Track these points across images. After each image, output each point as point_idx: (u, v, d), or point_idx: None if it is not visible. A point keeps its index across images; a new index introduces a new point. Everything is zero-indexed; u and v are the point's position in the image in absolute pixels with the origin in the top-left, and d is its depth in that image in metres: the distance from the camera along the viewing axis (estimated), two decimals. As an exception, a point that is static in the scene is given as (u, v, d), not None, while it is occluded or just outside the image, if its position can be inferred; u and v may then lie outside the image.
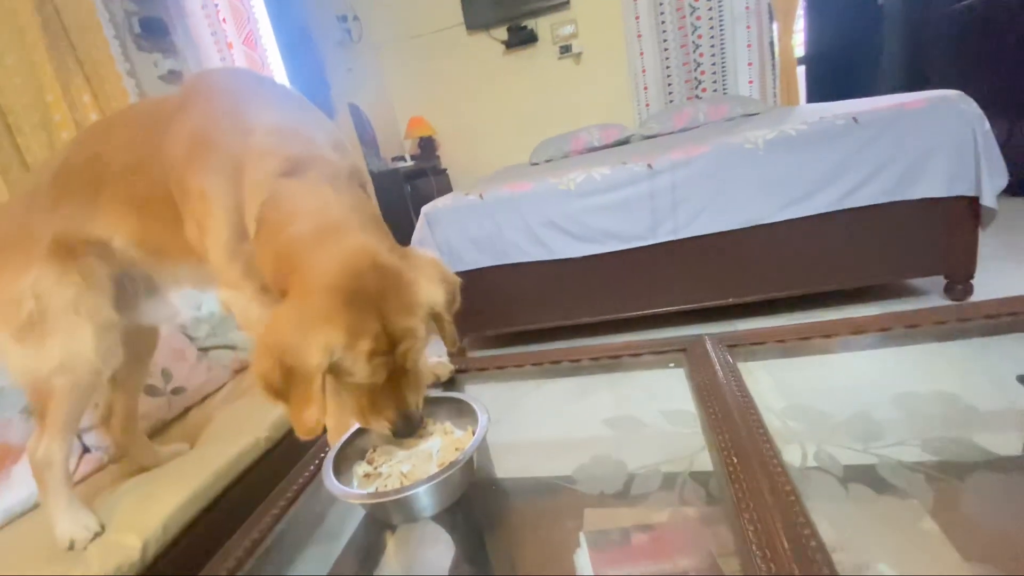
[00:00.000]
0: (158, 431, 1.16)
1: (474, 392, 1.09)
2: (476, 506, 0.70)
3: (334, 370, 0.58)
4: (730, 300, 1.89)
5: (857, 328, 0.85)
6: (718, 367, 0.82)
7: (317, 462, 0.79)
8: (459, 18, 3.50)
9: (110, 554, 0.77)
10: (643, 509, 0.64)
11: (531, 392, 1.03)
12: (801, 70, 4.03)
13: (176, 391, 1.21)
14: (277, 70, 2.61)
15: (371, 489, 0.65)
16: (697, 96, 3.32)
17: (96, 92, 1.65)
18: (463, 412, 0.75)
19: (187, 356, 1.33)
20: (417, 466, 0.68)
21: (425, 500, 0.62)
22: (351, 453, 0.72)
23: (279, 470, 0.80)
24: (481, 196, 1.97)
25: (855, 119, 1.64)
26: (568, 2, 3.36)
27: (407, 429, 0.66)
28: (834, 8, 3.95)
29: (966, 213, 1.66)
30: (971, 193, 1.62)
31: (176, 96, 0.75)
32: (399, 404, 0.64)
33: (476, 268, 2.03)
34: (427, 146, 3.71)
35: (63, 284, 0.76)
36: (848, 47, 3.96)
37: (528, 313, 2.09)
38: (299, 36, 2.89)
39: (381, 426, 0.65)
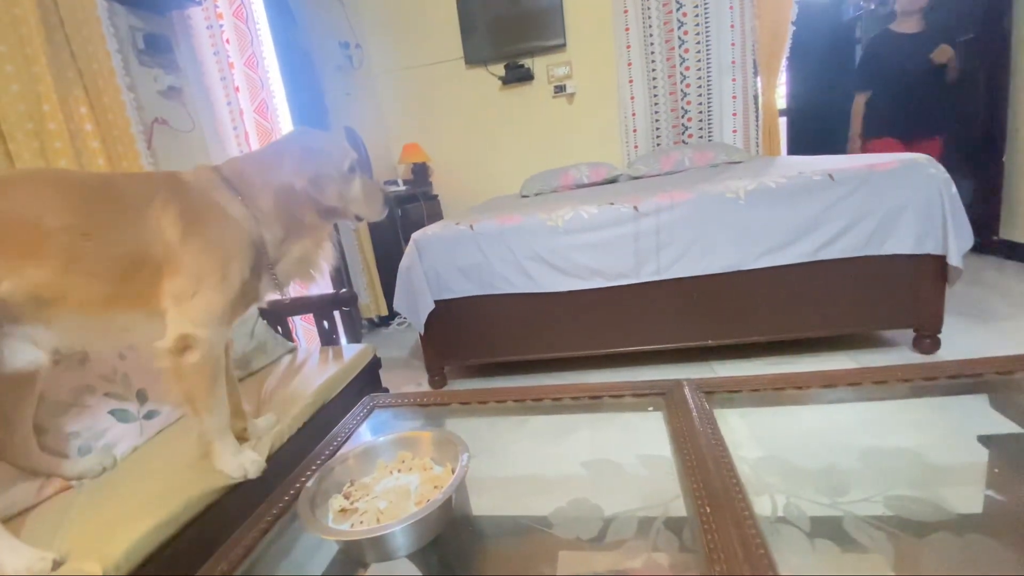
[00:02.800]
0: (126, 458, 1.12)
1: (455, 426, 1.09)
2: (451, 546, 0.70)
3: None
4: (709, 342, 1.93)
5: (828, 381, 0.89)
6: (695, 413, 0.84)
7: (293, 492, 0.78)
8: (459, 52, 3.61)
9: (68, 583, 0.74)
10: (618, 555, 0.65)
11: (512, 429, 1.03)
12: (783, 121, 4.23)
13: (149, 415, 1.18)
14: (277, 91, 2.65)
15: (346, 525, 0.65)
16: (683, 141, 3.44)
17: (94, 103, 1.66)
18: (444, 448, 0.76)
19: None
20: (395, 503, 0.68)
21: (400, 539, 0.62)
22: (328, 487, 0.72)
23: (253, 500, 0.79)
24: (472, 227, 2.00)
25: (831, 176, 1.73)
26: (564, 45, 3.49)
27: None
28: (814, 66, 4.18)
29: (934, 270, 1.74)
30: (939, 252, 1.70)
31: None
32: None
33: (463, 296, 2.05)
34: (420, 172, 3.77)
35: None
36: (828, 102, 4.17)
37: (512, 344, 2.11)
38: (301, 60, 2.95)
39: None
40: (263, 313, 1.66)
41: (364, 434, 0.95)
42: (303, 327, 2.38)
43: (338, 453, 0.80)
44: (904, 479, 0.68)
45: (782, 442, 0.82)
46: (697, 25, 3.26)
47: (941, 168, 1.70)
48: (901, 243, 1.72)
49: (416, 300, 2.07)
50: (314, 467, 0.78)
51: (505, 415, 1.05)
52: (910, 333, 1.87)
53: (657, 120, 3.47)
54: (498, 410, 1.05)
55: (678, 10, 3.26)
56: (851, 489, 0.65)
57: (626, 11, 3.30)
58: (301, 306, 1.72)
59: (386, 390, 1.68)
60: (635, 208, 1.87)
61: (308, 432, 1.20)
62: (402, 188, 3.57)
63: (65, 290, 0.85)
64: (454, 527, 0.72)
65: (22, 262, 0.82)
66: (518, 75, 3.56)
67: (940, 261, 1.72)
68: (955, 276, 1.72)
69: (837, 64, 4.14)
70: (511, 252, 1.96)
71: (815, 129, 4.21)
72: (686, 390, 0.92)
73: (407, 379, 2.35)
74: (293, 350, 1.65)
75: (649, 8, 3.29)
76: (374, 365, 1.60)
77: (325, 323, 1.69)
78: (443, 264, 2.03)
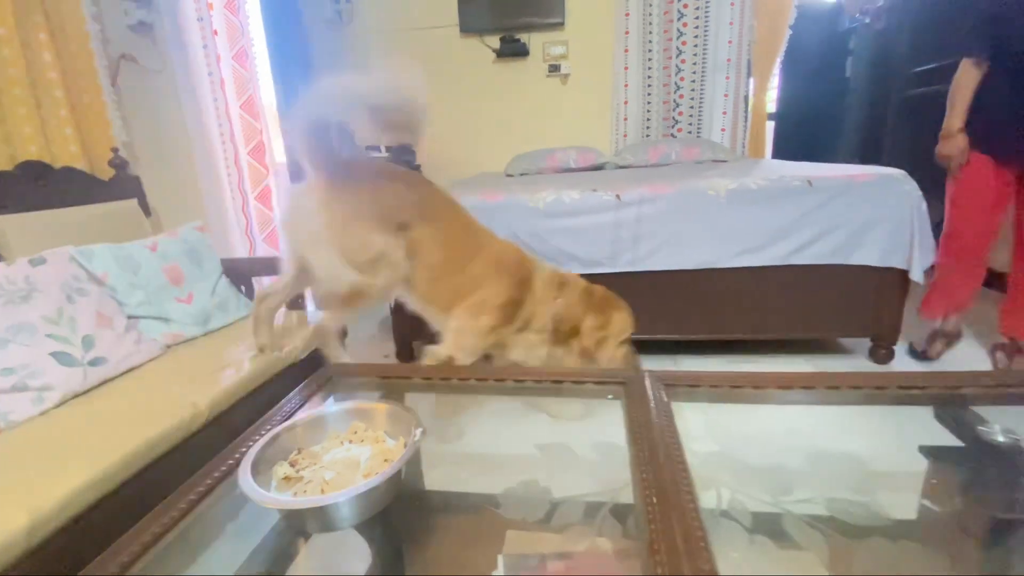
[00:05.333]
0: (66, 404, 1.07)
1: (415, 401, 1.08)
2: (399, 519, 0.70)
3: None
4: (676, 336, 1.96)
5: (784, 382, 0.90)
6: (653, 405, 0.84)
7: (238, 456, 0.76)
8: (454, 19, 3.49)
9: (-10, 532, 0.71)
10: (563, 537, 0.65)
11: (473, 407, 1.03)
12: (771, 125, 4.26)
13: (95, 362, 1.13)
14: (257, 37, 2.51)
15: (288, 494, 0.63)
16: (672, 135, 3.44)
17: (55, 32, 1.54)
18: (399, 421, 0.74)
19: (114, 324, 1.24)
20: (342, 474, 0.66)
21: (344, 511, 0.61)
22: (274, 453, 0.70)
23: (198, 461, 0.76)
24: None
25: (810, 182, 1.74)
26: (563, 23, 3.41)
27: None
28: (807, 73, 4.21)
29: (897, 284, 1.79)
30: (903, 266, 1.75)
31: None
32: None
33: (436, 271, 2.01)
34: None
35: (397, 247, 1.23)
36: (815, 110, 4.22)
37: (482, 323, 2.09)
38: (287, 8, 2.80)
39: None
40: (226, 271, 1.60)
41: (318, 403, 0.93)
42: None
43: (289, 421, 0.77)
44: (846, 483, 0.70)
45: (734, 439, 0.84)
46: (697, 19, 3.23)
47: (915, 184, 1.74)
48: (868, 255, 1.76)
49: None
50: (261, 432, 0.76)
51: (467, 394, 1.04)
52: (867, 343, 1.94)
53: (649, 111, 3.45)
54: (460, 388, 1.04)
55: (679, 1, 3.22)
56: (794, 489, 0.67)
57: (628, -4, 3.23)
58: (267, 267, 1.67)
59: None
60: (618, 197, 1.86)
61: (262, 398, 1.18)
62: (384, 154, 3.48)
63: (439, 274, 1.31)
64: (403, 501, 0.71)
65: (440, 248, 1.29)
66: (513, 49, 3.47)
67: (903, 275, 1.77)
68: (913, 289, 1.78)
69: (827, 73, 4.18)
70: (493, 230, 1.93)
71: (802, 136, 4.27)
72: (647, 381, 0.92)
73: (375, 351, 2.32)
74: (256, 311, 1.60)
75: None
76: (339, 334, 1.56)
77: (291, 286, 1.64)
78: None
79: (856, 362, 1.93)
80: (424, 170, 3.79)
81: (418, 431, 0.69)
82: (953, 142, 1.68)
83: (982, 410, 0.88)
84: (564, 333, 1.32)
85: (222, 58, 2.20)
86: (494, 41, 3.49)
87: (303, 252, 1.24)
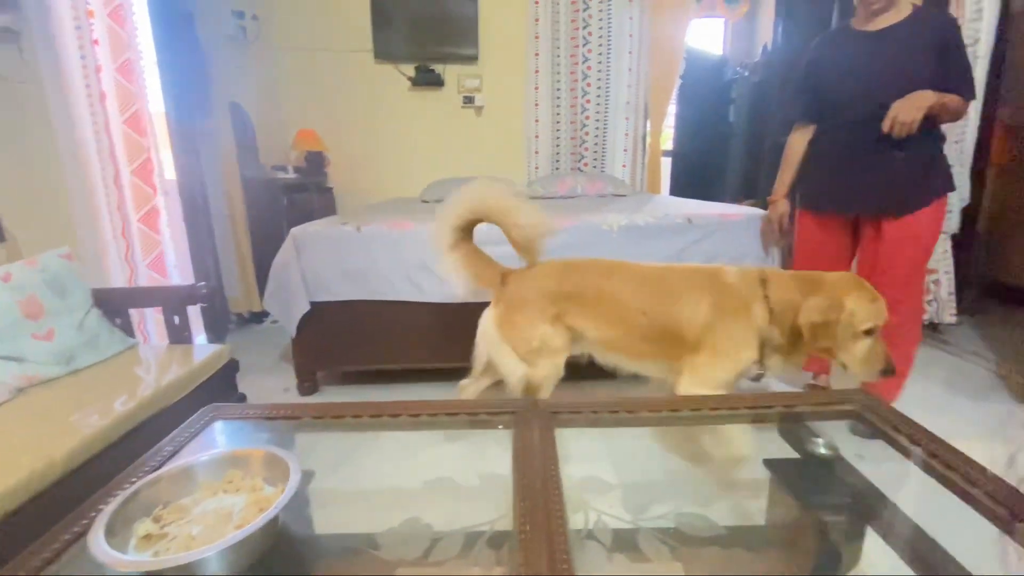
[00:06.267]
0: None
1: (310, 441, 1.06)
2: (280, 567, 0.68)
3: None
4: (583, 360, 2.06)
5: (653, 407, 1.00)
6: (537, 433, 0.90)
7: (93, 514, 0.70)
8: (368, 44, 3.49)
9: None
10: (441, 571, 0.67)
11: (366, 444, 1.02)
12: (669, 161, 4.69)
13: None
14: (146, 47, 2.35)
15: (148, 554, 0.60)
16: (579, 168, 3.66)
17: None
18: (277, 467, 0.73)
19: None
20: (212, 527, 0.64)
21: (212, 566, 0.59)
22: (135, 510, 0.65)
23: (50, 521, 0.69)
24: (359, 229, 1.94)
25: (690, 220, 1.95)
26: (477, 57, 3.54)
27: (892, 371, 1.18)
28: (698, 117, 4.70)
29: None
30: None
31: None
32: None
33: (343, 300, 1.98)
34: (315, 161, 3.57)
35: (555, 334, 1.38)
36: (706, 150, 4.72)
37: (392, 352, 2.07)
38: (181, 21, 2.66)
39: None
40: (98, 302, 1.47)
41: (197, 448, 0.88)
42: (155, 320, 2.12)
43: (156, 473, 0.73)
44: (695, 498, 0.79)
45: (606, 461, 0.91)
46: (600, 63, 3.50)
47: (776, 224, 2.00)
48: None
49: (289, 300, 1.96)
50: (124, 486, 0.71)
51: (361, 430, 1.04)
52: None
53: (558, 145, 3.65)
54: (354, 425, 1.03)
55: (584, 46, 3.48)
56: (651, 506, 0.74)
57: (537, 37, 3.44)
58: (146, 297, 1.55)
59: (243, 397, 1.56)
60: (522, 229, 1.95)
61: (136, 445, 1.08)
62: (292, 176, 3.36)
63: (622, 345, 1.39)
64: (285, 548, 0.69)
65: (606, 324, 1.37)
66: (428, 79, 3.53)
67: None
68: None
69: (715, 118, 4.70)
70: (399, 259, 1.94)
71: (695, 173, 4.75)
72: (534, 411, 0.98)
73: (276, 384, 2.20)
74: (133, 347, 1.47)
75: (559, 39, 3.46)
76: (230, 369, 1.48)
77: (176, 318, 1.53)
78: (324, 264, 1.95)
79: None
80: (335, 193, 3.71)
81: (296, 476, 0.68)
82: (775, 207, 1.86)
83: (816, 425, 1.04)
84: (791, 331, 1.22)
85: (103, 69, 2.03)
86: (409, 70, 3.54)
87: (487, 351, 1.46)
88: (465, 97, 3.62)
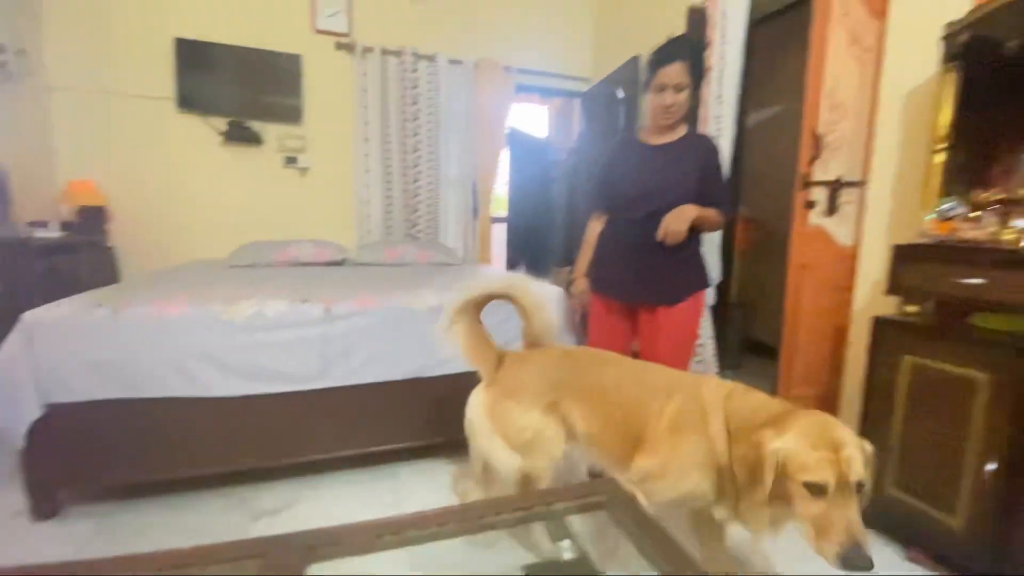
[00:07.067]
0: None
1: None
2: None
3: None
4: (392, 445, 1.97)
5: (419, 523, 0.97)
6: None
7: None
8: (169, 92, 3.14)
9: None
10: None
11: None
12: (503, 229, 5.00)
13: None
14: None
15: None
16: (412, 235, 3.68)
17: None
18: None
19: None
20: None
21: None
22: None
23: None
24: (115, 312, 1.64)
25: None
26: (300, 119, 3.42)
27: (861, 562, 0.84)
28: (529, 189, 5.15)
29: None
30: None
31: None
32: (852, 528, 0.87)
33: (91, 400, 1.62)
34: (92, 217, 3.01)
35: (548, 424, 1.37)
36: (532, 222, 5.15)
37: (168, 458, 1.73)
38: None
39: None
40: None
41: None
42: None
43: None
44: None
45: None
46: (430, 138, 3.63)
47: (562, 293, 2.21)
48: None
49: (12, 404, 1.55)
50: None
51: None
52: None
53: (390, 213, 3.64)
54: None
55: (413, 120, 3.59)
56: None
57: (366, 107, 3.46)
58: None
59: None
60: (327, 310, 1.85)
61: None
62: (58, 233, 2.78)
63: (601, 441, 1.32)
64: None
65: (591, 416, 1.34)
66: (243, 135, 3.29)
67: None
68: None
69: (542, 194, 5.20)
70: (169, 349, 1.67)
71: (526, 241, 5.13)
72: (282, 549, 0.87)
73: (2, 505, 1.69)
74: None
75: (388, 111, 3.53)
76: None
77: None
78: (64, 357, 1.59)
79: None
80: (120, 252, 3.16)
81: None
82: (576, 285, 2.04)
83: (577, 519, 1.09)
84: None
85: None
86: (220, 124, 3.26)
87: (480, 447, 1.41)
88: (287, 157, 3.43)
